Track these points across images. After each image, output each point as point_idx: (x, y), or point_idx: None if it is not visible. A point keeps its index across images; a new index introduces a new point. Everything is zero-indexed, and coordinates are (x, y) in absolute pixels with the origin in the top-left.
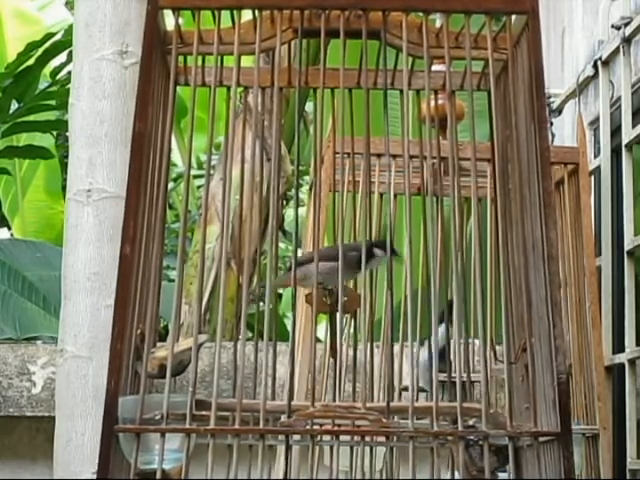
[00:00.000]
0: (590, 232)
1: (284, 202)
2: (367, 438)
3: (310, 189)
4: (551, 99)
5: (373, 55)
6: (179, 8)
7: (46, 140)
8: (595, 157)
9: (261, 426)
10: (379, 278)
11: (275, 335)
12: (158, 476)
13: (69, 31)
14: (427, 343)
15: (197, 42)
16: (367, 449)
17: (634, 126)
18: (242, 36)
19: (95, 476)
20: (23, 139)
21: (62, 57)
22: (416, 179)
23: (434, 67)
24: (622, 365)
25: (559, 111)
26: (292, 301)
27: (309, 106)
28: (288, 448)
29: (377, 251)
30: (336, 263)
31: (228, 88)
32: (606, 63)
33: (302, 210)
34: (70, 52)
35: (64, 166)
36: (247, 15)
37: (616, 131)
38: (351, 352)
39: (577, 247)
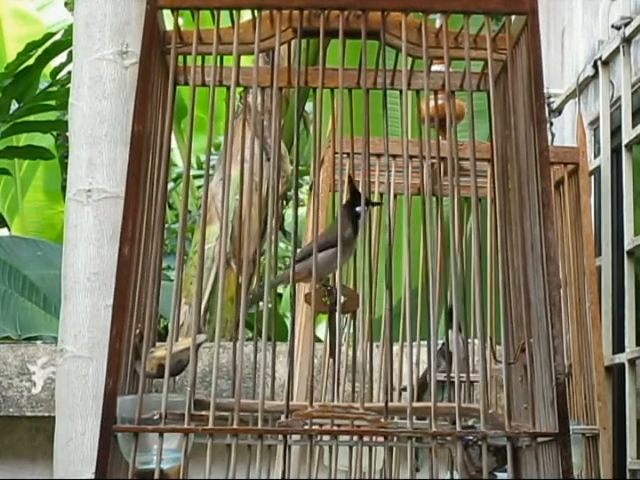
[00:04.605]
0: (590, 232)
1: (284, 202)
2: (365, 438)
3: (310, 189)
4: (551, 99)
5: (373, 55)
6: (178, 8)
7: (46, 140)
8: (595, 157)
9: (259, 426)
10: (379, 277)
11: (275, 335)
12: (156, 476)
13: (69, 31)
14: None
15: (196, 42)
16: (366, 449)
17: (634, 126)
18: (241, 36)
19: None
20: (23, 139)
21: (62, 57)
22: (416, 179)
23: (434, 67)
24: (622, 365)
25: (559, 111)
26: (291, 301)
27: (309, 106)
28: (286, 448)
29: (358, 209)
30: (332, 250)
31: (228, 88)
32: (606, 63)
33: (302, 210)
34: (70, 52)
35: (64, 166)
36: (246, 15)
37: (616, 131)
38: (351, 352)
39: (577, 247)
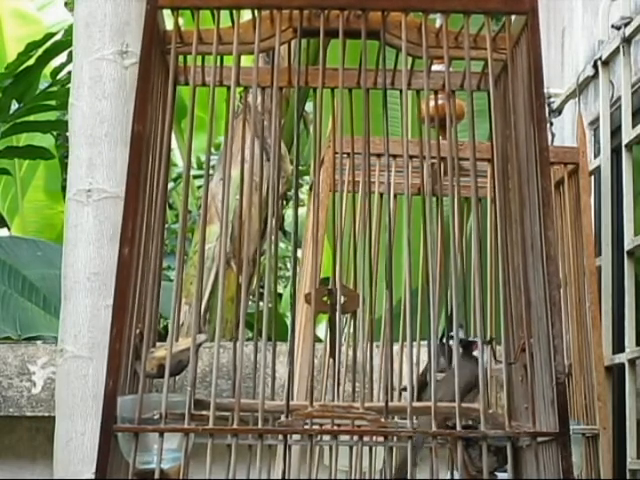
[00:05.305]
0: (590, 232)
1: (284, 202)
2: (366, 438)
3: (310, 189)
4: (551, 99)
5: (373, 55)
6: (178, 8)
7: (46, 140)
8: (595, 157)
9: (259, 426)
10: (379, 277)
11: (275, 335)
12: (156, 476)
13: (69, 31)
14: None
15: (196, 42)
16: (366, 449)
17: (634, 126)
18: (241, 36)
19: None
20: (23, 139)
21: (62, 57)
22: (416, 179)
23: (434, 67)
24: (622, 365)
25: (559, 111)
26: (291, 301)
27: (309, 106)
28: (287, 448)
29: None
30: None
31: (228, 88)
32: (606, 63)
33: (302, 210)
34: (70, 52)
35: (64, 166)
36: (247, 15)
37: (616, 131)
38: (351, 352)
39: (577, 247)
